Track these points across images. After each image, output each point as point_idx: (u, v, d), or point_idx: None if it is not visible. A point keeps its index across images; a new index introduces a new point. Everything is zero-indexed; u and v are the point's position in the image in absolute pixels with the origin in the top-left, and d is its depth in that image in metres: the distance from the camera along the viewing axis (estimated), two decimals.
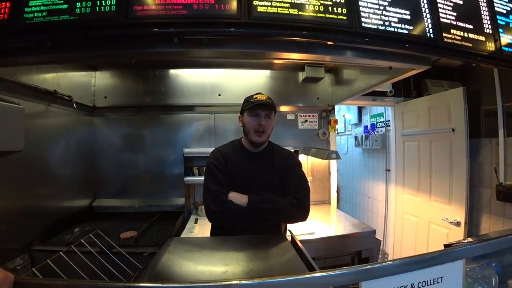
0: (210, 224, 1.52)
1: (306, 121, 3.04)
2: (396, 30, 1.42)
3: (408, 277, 0.72)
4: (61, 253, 1.14)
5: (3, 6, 1.23)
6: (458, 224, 2.50)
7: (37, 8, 1.22)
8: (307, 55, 1.39)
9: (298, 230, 2.12)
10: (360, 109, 4.25)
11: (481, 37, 1.62)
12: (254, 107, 1.45)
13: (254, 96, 1.50)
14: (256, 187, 1.47)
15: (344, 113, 4.66)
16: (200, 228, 2.25)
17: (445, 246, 1.32)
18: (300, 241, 1.10)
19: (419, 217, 3.02)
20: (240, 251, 0.87)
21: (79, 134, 2.68)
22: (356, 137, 4.22)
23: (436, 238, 2.76)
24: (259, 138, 1.48)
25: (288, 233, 1.47)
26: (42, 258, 1.91)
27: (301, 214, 1.45)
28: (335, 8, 1.30)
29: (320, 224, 2.36)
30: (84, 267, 1.17)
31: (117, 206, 2.79)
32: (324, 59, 1.49)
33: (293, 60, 1.64)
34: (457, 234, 2.50)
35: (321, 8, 1.29)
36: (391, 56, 1.52)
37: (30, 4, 1.23)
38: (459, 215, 2.50)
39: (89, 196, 2.78)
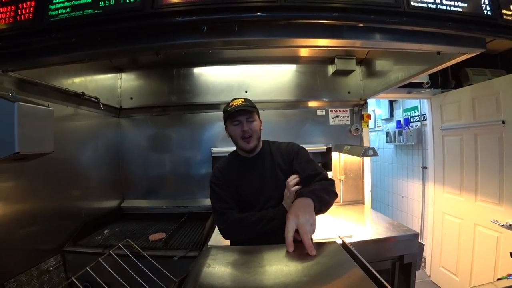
0: None
1: (337, 116, 2.87)
2: (448, 8, 1.25)
3: None
4: (87, 268, 1.08)
5: (27, 6, 1.21)
6: (510, 227, 2.25)
7: (61, 5, 1.18)
8: (347, 41, 1.26)
9: (335, 233, 1.99)
10: (391, 103, 4.02)
11: None
12: (233, 115, 1.40)
13: (231, 104, 1.44)
14: (267, 190, 1.42)
15: (374, 108, 4.43)
16: None
17: None
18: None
19: (462, 218, 2.78)
20: (291, 263, 0.75)
21: (106, 135, 2.70)
22: (388, 133, 4.00)
23: (484, 242, 2.51)
24: (248, 144, 1.42)
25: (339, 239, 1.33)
26: (74, 260, 1.94)
27: (335, 198, 1.32)
28: None
29: (356, 226, 2.21)
30: (112, 276, 1.11)
31: (145, 207, 2.78)
32: (366, 45, 1.34)
33: (330, 48, 1.49)
34: (510, 239, 2.25)
35: None
36: (441, 39, 1.36)
37: (54, 1, 1.19)
38: None
39: (118, 197, 2.79)
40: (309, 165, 1.40)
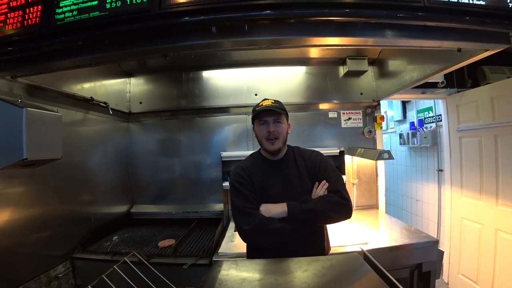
0: None
1: (349, 118, 2.80)
2: (471, 1, 1.18)
3: None
4: (89, 287, 1.04)
5: (34, 10, 1.20)
6: None
7: (68, 8, 1.17)
8: (362, 39, 1.21)
9: (350, 239, 1.92)
10: (404, 104, 3.91)
11: None
12: (260, 115, 1.39)
13: (260, 104, 1.43)
14: (292, 195, 1.35)
15: (386, 110, 4.32)
16: None
17: None
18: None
19: (482, 223, 2.65)
20: (311, 281, 0.69)
21: (116, 140, 2.69)
22: (401, 135, 3.89)
23: (507, 249, 2.38)
24: (272, 146, 1.40)
25: (358, 248, 1.27)
26: (83, 266, 1.91)
27: (348, 212, 1.32)
28: None
29: (371, 232, 2.12)
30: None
31: (154, 212, 2.76)
32: (382, 43, 1.28)
33: (342, 48, 1.44)
34: None
35: None
36: (462, 34, 1.29)
37: (61, 4, 1.18)
38: None
39: (127, 203, 2.78)
40: (335, 181, 1.38)
